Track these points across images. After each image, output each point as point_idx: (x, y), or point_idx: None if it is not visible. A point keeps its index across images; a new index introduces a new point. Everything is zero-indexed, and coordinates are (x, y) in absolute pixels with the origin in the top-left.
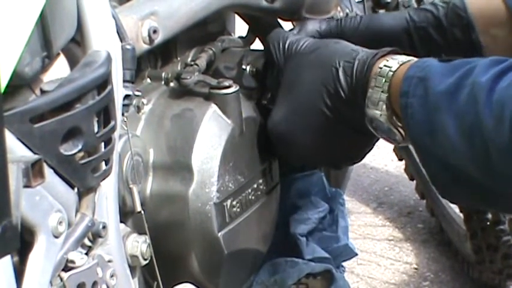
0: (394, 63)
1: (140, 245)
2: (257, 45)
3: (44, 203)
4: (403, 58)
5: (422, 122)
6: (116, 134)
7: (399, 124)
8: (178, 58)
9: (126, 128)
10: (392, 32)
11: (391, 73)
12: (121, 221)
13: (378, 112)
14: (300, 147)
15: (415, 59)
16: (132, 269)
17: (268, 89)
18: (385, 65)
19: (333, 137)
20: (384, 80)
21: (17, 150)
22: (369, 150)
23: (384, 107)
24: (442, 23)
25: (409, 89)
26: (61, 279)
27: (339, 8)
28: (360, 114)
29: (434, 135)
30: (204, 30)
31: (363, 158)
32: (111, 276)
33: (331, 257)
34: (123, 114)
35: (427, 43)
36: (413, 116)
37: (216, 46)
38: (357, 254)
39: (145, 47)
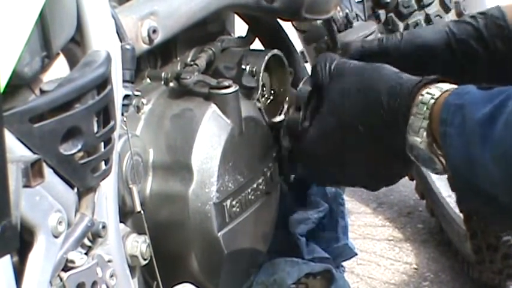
0: (436, 90)
1: (140, 245)
2: (257, 45)
3: (44, 203)
4: (446, 86)
5: (460, 152)
6: (115, 134)
7: (439, 152)
8: (178, 58)
9: (125, 128)
10: (434, 46)
11: (433, 100)
12: (121, 221)
13: (419, 139)
14: (335, 165)
15: (457, 86)
16: (132, 269)
17: (308, 111)
18: (427, 92)
19: (371, 159)
20: (425, 107)
21: (17, 150)
22: (406, 175)
23: (425, 134)
24: (483, 34)
25: (448, 116)
26: (61, 279)
27: (338, 8)
28: (400, 141)
29: (472, 165)
30: (203, 30)
31: (398, 181)
32: (111, 276)
33: (331, 257)
34: (122, 114)
35: (469, 55)
36: (452, 145)
37: (215, 46)
38: (356, 254)
39: (145, 47)
